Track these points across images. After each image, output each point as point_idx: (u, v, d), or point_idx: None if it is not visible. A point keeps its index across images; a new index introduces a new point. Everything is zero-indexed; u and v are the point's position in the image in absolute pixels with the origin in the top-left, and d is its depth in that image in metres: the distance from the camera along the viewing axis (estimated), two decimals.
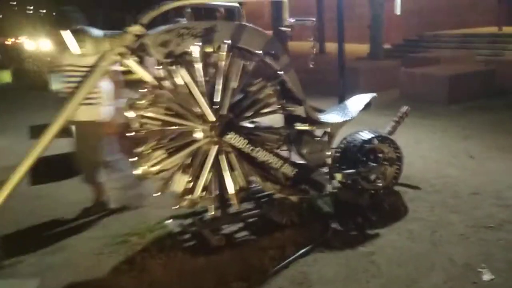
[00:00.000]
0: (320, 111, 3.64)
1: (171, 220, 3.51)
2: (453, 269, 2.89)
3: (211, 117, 3.01)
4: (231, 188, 3.16)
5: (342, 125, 3.60)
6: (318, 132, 3.56)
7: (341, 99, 7.30)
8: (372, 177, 3.85)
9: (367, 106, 3.79)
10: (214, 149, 3.09)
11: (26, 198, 4.25)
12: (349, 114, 3.65)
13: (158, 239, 3.39)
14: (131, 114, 2.90)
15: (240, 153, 3.12)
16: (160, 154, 3.03)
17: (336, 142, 3.79)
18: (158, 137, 3.03)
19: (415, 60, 10.14)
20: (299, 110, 3.40)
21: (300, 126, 3.39)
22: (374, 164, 3.78)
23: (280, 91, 3.25)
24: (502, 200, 3.83)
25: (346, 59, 7.18)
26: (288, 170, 3.28)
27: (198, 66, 2.91)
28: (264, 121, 3.40)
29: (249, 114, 3.19)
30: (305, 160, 3.46)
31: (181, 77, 2.92)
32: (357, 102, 3.83)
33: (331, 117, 3.63)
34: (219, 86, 3.00)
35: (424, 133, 6.06)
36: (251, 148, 3.08)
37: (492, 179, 4.31)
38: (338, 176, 3.61)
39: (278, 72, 3.19)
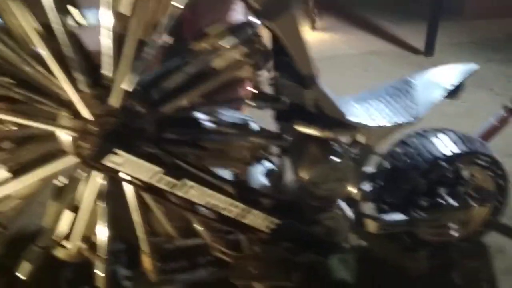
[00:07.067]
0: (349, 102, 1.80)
1: None
2: None
3: (85, 112, 1.37)
4: (141, 243, 1.60)
5: (391, 131, 1.78)
6: (342, 139, 1.78)
7: (432, 25, 5.04)
8: (443, 222, 2.06)
9: (455, 91, 1.90)
10: (95, 175, 1.49)
11: None
12: (412, 108, 1.79)
13: None
14: None
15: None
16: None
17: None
18: None
19: None
20: (302, 97, 1.65)
21: (303, 128, 1.66)
22: (452, 204, 1.96)
23: (263, 55, 1.51)
24: None
25: None
26: (258, 220, 1.61)
27: None
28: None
29: (182, 102, 1.50)
30: (307, 193, 1.74)
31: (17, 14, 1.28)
32: (435, 82, 1.93)
33: (370, 111, 1.80)
34: (107, 41, 1.33)
35: None
36: (172, 183, 1.43)
37: None
38: (372, 225, 1.88)
39: (252, 16, 1.42)
